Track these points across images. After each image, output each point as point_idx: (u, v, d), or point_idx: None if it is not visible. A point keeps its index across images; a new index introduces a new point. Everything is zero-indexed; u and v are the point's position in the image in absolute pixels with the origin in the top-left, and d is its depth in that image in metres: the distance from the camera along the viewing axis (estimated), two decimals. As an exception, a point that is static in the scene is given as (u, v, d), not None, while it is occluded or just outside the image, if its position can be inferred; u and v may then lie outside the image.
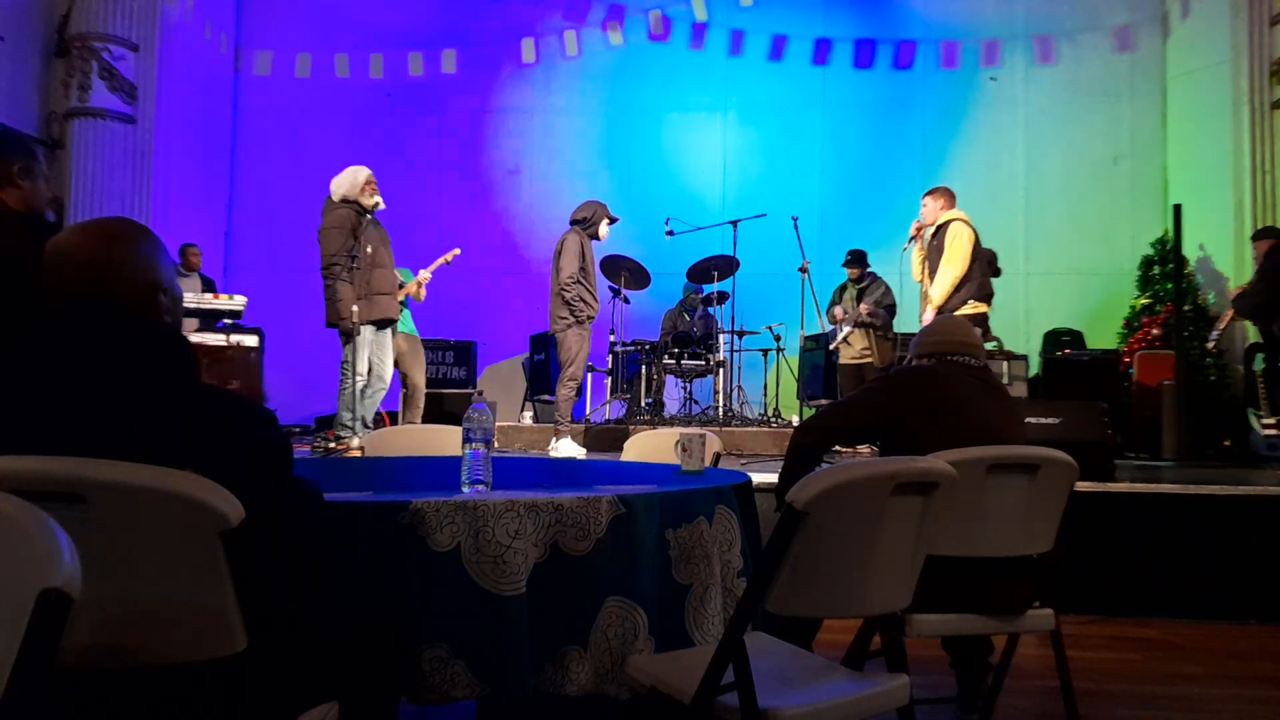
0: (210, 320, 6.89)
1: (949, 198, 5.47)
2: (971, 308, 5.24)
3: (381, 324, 5.37)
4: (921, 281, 5.56)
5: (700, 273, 7.61)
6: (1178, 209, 6.72)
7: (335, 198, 5.22)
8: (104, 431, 1.19)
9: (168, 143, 8.51)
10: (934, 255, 5.38)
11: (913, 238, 5.63)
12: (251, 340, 7.02)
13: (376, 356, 5.40)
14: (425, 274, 6.40)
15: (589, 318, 5.68)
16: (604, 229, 5.85)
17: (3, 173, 2.52)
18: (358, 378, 5.22)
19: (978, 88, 9.28)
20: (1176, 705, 2.81)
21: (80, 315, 1.27)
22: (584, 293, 5.63)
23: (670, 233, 7.60)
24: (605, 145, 9.66)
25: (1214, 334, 7.01)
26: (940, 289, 5.22)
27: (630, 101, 9.67)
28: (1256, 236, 6.61)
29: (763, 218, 7.71)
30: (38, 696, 0.83)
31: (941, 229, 5.35)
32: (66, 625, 0.85)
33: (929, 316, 5.25)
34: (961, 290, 5.22)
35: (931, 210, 5.48)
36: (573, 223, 5.88)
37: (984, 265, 5.41)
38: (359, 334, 5.16)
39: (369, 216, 5.26)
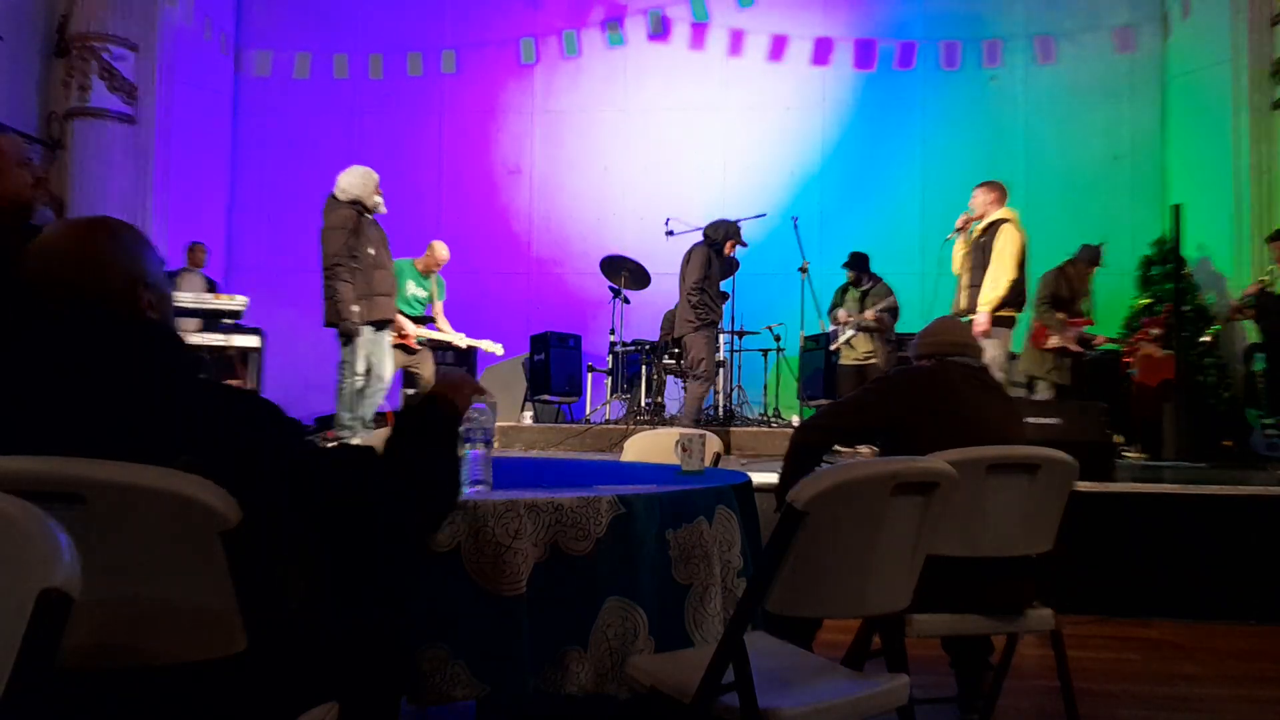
0: (210, 320, 6.89)
1: (1001, 193, 5.37)
2: (1004, 312, 5.23)
3: (380, 324, 5.37)
4: (960, 275, 5.50)
5: (700, 273, 7.60)
6: (1177, 209, 6.72)
7: (344, 197, 5.22)
8: (102, 431, 1.19)
9: (168, 143, 8.50)
10: (978, 252, 5.29)
11: (959, 229, 5.54)
12: (251, 340, 7.02)
13: (375, 356, 5.40)
14: (463, 340, 6.66)
15: (713, 321, 6.20)
16: (728, 249, 6.22)
17: None
18: (355, 378, 5.22)
19: (978, 88, 9.28)
20: (1176, 705, 2.81)
21: (72, 312, 1.27)
22: (707, 299, 6.13)
23: (670, 233, 7.59)
24: (605, 145, 9.65)
25: (1215, 328, 7.01)
26: (995, 293, 5.14)
27: (630, 101, 9.67)
28: (1274, 238, 6.63)
29: (763, 217, 7.71)
30: (38, 696, 0.83)
31: (992, 227, 5.27)
32: (66, 625, 0.85)
33: (982, 319, 5.14)
34: (1007, 294, 5.18)
35: (982, 203, 5.38)
36: (705, 236, 6.27)
37: (1023, 269, 5.39)
38: (359, 334, 5.17)
39: (369, 217, 5.27)
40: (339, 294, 5.07)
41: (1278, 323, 6.44)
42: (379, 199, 5.30)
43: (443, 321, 6.65)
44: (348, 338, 5.17)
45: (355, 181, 5.24)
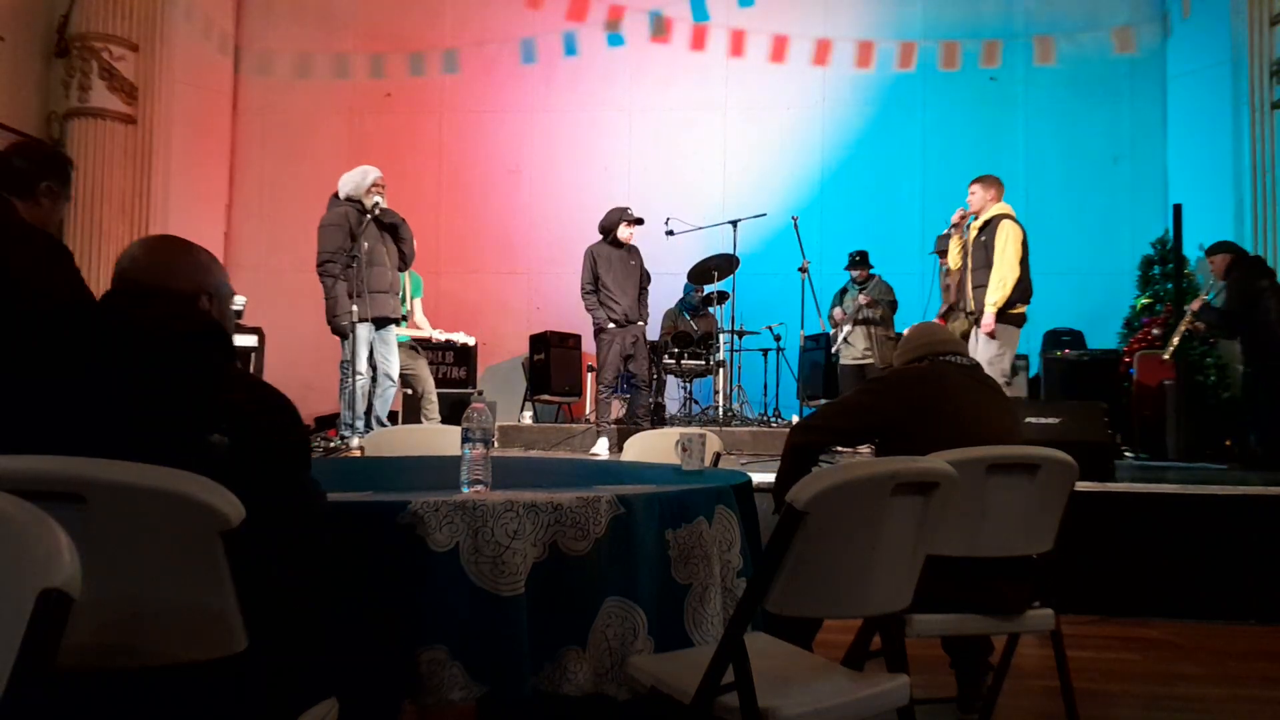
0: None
1: (999, 188, 5.35)
2: (1015, 309, 5.22)
3: (379, 322, 5.37)
4: (955, 273, 5.50)
5: (700, 273, 7.61)
6: (1178, 209, 6.72)
7: (340, 194, 5.29)
8: (118, 425, 1.22)
9: (168, 143, 8.49)
10: (979, 250, 5.29)
11: (955, 225, 5.51)
12: (250, 340, 7.02)
13: (381, 355, 5.42)
14: (438, 335, 6.63)
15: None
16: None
17: (31, 184, 2.60)
18: (357, 376, 5.22)
19: (978, 88, 9.27)
20: (1176, 705, 2.81)
21: (141, 306, 1.39)
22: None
23: (670, 232, 7.59)
24: (605, 145, 9.65)
25: (1169, 347, 6.71)
26: (1001, 293, 5.13)
27: (630, 101, 9.66)
28: (1212, 251, 6.31)
29: (763, 217, 7.71)
30: (38, 696, 0.83)
31: (990, 225, 5.26)
32: (66, 625, 0.85)
33: (988, 319, 5.15)
34: (1013, 293, 5.18)
35: (980, 199, 5.37)
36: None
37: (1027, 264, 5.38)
38: (354, 332, 5.18)
39: (368, 216, 5.28)
40: (327, 291, 5.15)
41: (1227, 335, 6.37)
42: (375, 197, 5.29)
43: (419, 318, 6.60)
44: (342, 335, 5.19)
45: (351, 179, 5.31)
